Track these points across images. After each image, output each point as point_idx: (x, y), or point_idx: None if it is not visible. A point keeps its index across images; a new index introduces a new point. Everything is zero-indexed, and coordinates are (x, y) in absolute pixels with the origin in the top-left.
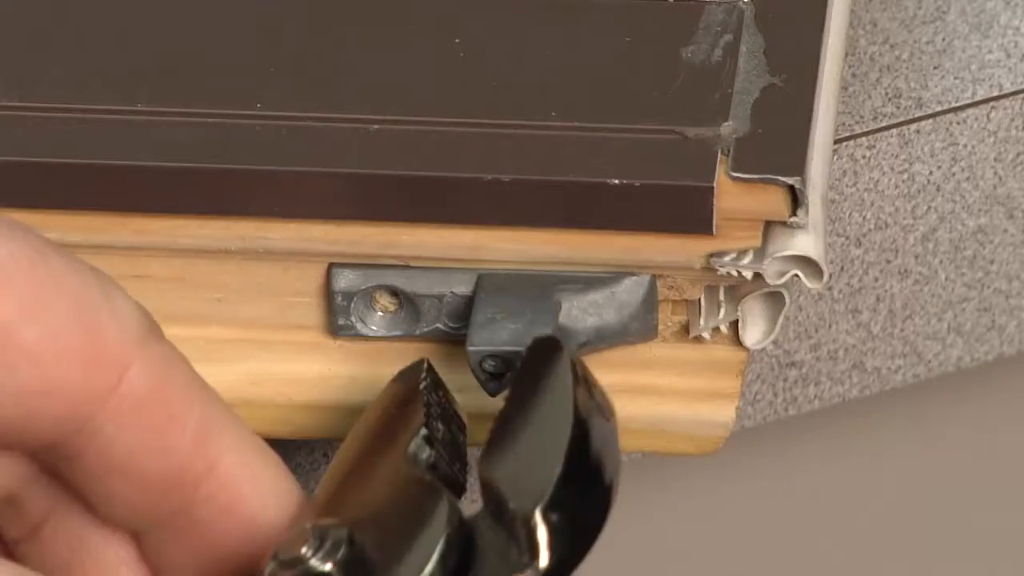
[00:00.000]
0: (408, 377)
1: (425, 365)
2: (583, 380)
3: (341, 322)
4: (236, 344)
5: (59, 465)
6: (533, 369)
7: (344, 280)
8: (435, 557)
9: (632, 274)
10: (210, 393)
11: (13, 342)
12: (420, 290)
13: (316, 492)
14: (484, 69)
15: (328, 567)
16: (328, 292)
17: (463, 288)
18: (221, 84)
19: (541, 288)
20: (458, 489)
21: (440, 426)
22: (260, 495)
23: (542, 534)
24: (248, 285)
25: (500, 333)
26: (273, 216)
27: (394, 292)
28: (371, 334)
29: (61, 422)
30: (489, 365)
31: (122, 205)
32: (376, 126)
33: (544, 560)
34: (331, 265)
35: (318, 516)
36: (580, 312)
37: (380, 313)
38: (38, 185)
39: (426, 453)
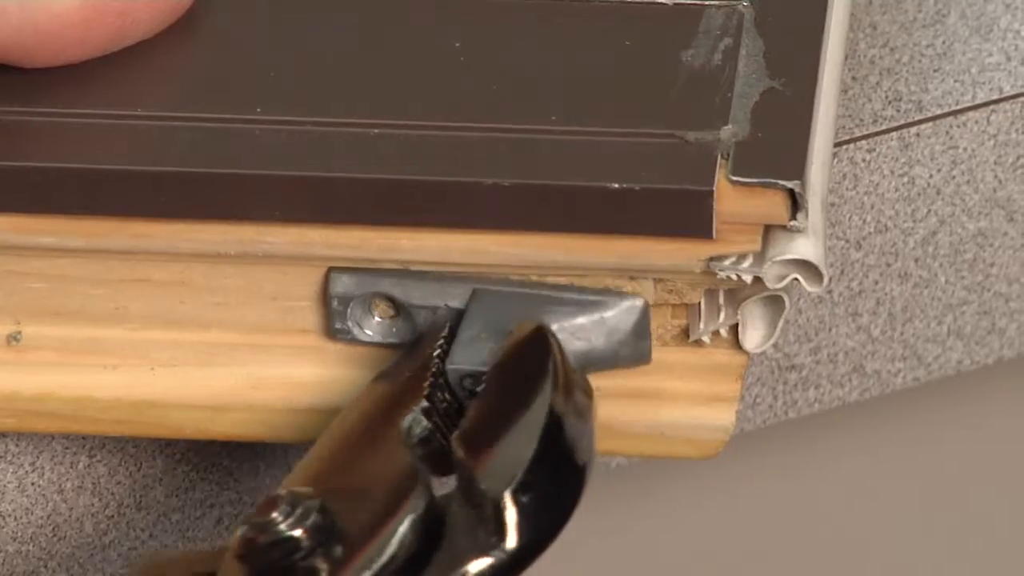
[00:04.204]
0: (421, 343)
1: (445, 331)
2: (562, 370)
3: (338, 326)
4: (236, 348)
5: None
6: (517, 354)
7: (341, 285)
8: (398, 535)
9: (625, 299)
10: None
11: None
12: (415, 300)
13: (304, 459)
14: (484, 73)
15: (298, 532)
16: (325, 296)
17: (457, 302)
18: (221, 89)
19: (531, 309)
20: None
21: (446, 396)
22: None
23: (511, 516)
24: (248, 289)
25: (481, 353)
26: (273, 220)
27: (391, 300)
28: (367, 339)
29: None
30: (468, 383)
31: (122, 209)
32: (376, 130)
33: (511, 541)
34: (330, 269)
35: (298, 484)
36: (568, 336)
37: (377, 319)
38: (38, 190)
39: (420, 427)
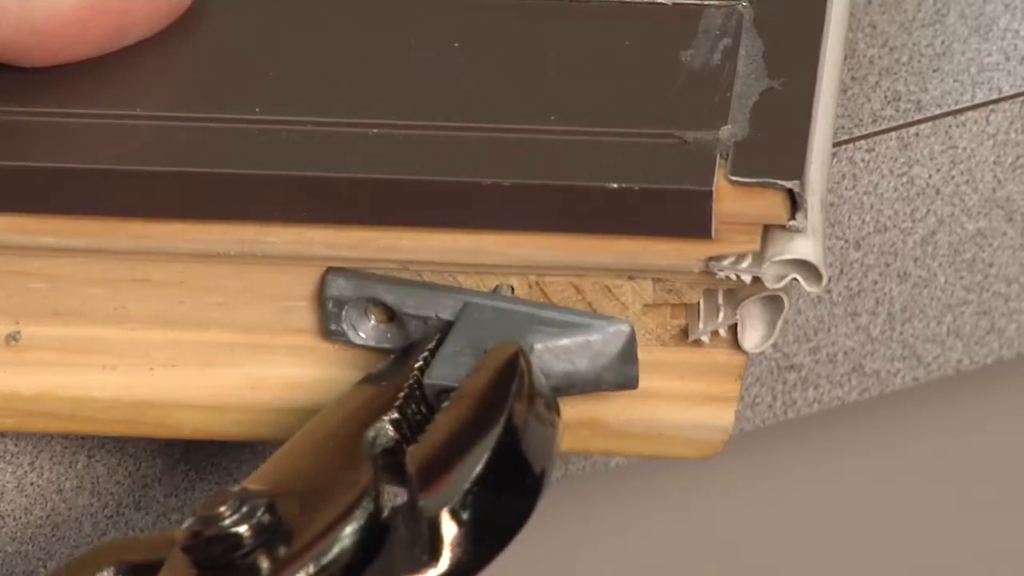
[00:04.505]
0: (406, 352)
1: (432, 344)
2: (527, 387)
3: (333, 327)
4: (235, 348)
5: None
6: (486, 374)
7: (336, 287)
8: (339, 542)
9: (612, 323)
10: None
11: None
12: (407, 309)
13: (272, 457)
14: (483, 73)
15: (242, 529)
16: (321, 297)
17: (448, 314)
18: (221, 88)
19: (516, 328)
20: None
21: (421, 408)
22: None
23: (447, 535)
24: (247, 289)
25: (459, 370)
26: (272, 220)
27: (385, 306)
28: (360, 342)
29: None
30: (445, 399)
31: (121, 209)
32: (375, 130)
33: (444, 562)
34: (327, 271)
35: (259, 481)
36: (552, 357)
37: (372, 323)
38: (37, 190)
39: (386, 437)
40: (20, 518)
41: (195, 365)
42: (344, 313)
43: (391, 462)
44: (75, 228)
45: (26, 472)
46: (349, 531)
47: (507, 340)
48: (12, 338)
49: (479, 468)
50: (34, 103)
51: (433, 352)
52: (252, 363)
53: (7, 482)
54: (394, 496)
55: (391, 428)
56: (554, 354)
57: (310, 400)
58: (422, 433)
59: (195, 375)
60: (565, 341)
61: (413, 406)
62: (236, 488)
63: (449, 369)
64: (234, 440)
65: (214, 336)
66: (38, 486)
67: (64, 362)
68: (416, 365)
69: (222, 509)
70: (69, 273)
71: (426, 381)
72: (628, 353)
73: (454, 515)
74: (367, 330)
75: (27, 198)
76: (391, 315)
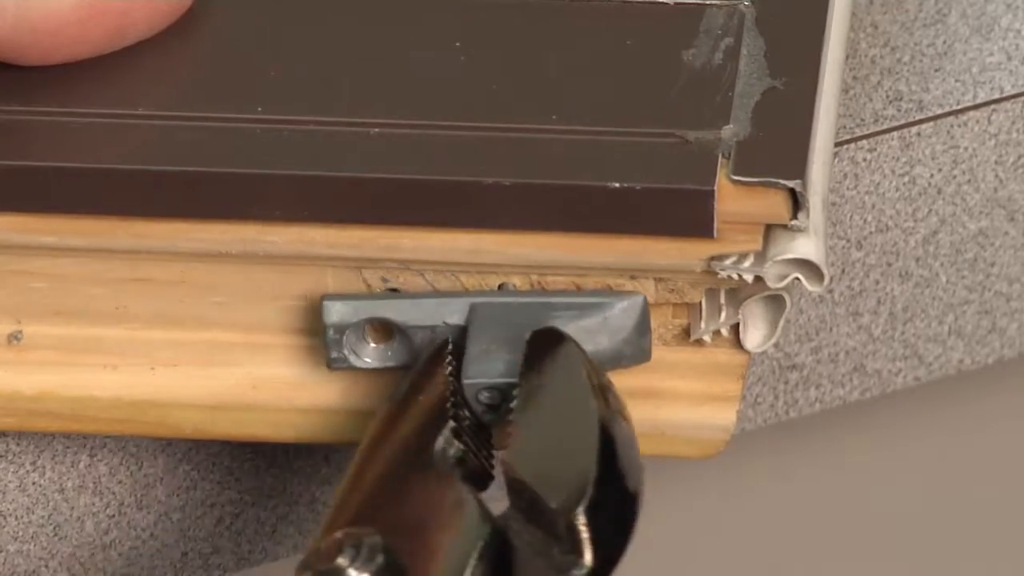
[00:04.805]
0: (428, 364)
1: (449, 348)
2: (596, 379)
3: (335, 355)
4: (237, 348)
5: None
6: (541, 366)
7: (336, 313)
8: (472, 564)
9: (624, 297)
10: None
11: None
12: (413, 321)
13: (337, 498)
14: (484, 72)
15: None
16: (321, 326)
17: (456, 318)
18: (221, 88)
19: (534, 317)
20: (486, 478)
21: (466, 413)
22: None
23: (585, 533)
24: (249, 289)
25: (496, 365)
26: (273, 220)
27: (386, 323)
28: (364, 366)
29: None
30: (485, 397)
31: (122, 209)
32: (376, 129)
33: (589, 558)
34: (322, 298)
35: (346, 524)
36: (579, 339)
37: (372, 345)
38: (39, 189)
39: (453, 448)
40: (22, 517)
41: (196, 364)
42: (344, 339)
43: (465, 471)
44: (76, 227)
45: (28, 471)
46: (475, 554)
47: (544, 328)
48: (14, 337)
49: (595, 465)
50: (36, 102)
51: (456, 356)
52: (253, 363)
53: (9, 481)
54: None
55: (454, 439)
56: (576, 336)
57: (312, 400)
58: (476, 437)
59: (196, 374)
60: (587, 321)
61: (462, 412)
62: (339, 535)
63: (484, 367)
64: (235, 440)
65: (215, 335)
66: (40, 485)
67: (65, 361)
68: (447, 372)
69: (340, 561)
70: (70, 272)
71: (465, 382)
72: (643, 324)
73: (587, 513)
74: (369, 353)
75: (28, 197)
76: (390, 332)
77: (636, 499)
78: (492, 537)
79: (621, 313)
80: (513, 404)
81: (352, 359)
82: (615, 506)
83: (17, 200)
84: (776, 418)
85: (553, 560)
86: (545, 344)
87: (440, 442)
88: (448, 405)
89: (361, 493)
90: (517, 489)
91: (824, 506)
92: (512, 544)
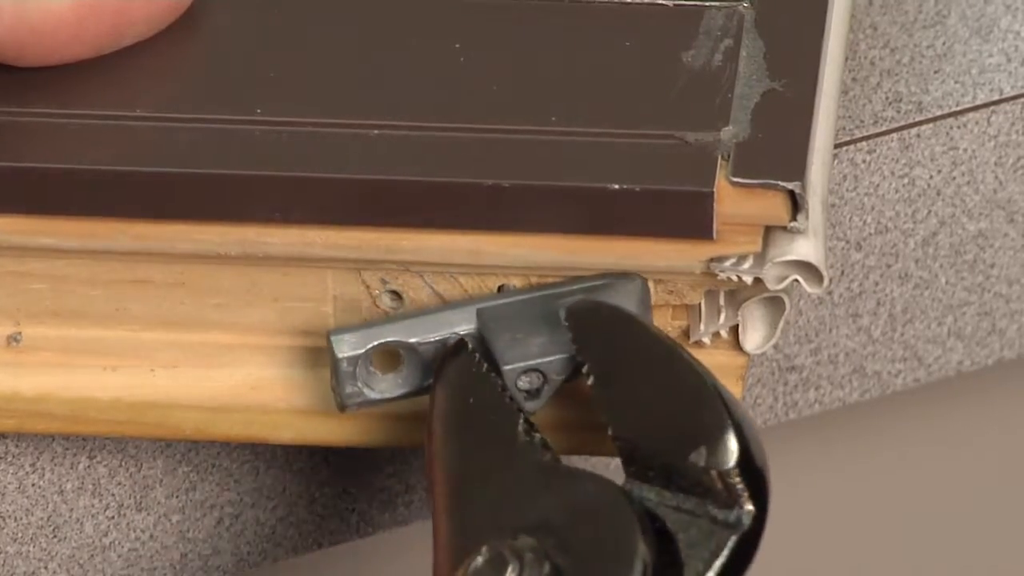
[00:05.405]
0: (457, 371)
1: (469, 347)
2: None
3: (349, 390)
4: (236, 349)
5: None
6: (601, 338)
7: (346, 347)
8: (639, 556)
9: (626, 281)
10: None
11: None
12: (424, 338)
13: (446, 515)
14: (484, 74)
15: None
16: (333, 360)
17: (464, 327)
18: (221, 88)
19: (540, 306)
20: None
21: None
22: None
23: (739, 481)
24: (248, 290)
25: (530, 348)
26: (273, 221)
27: (395, 348)
28: (377, 397)
29: None
30: (524, 382)
31: (122, 211)
32: (376, 131)
33: (750, 504)
34: (329, 334)
35: (474, 538)
36: None
37: (379, 374)
38: (37, 190)
39: (536, 436)
40: (21, 519)
41: (196, 366)
42: (356, 371)
43: (554, 456)
44: (75, 229)
45: (27, 473)
46: (640, 540)
47: (578, 303)
48: (13, 339)
49: (723, 411)
50: (34, 103)
51: (483, 354)
52: (253, 364)
53: (8, 483)
54: None
55: (529, 427)
56: None
57: (311, 401)
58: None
59: (196, 376)
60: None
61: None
62: (505, 547)
63: (520, 350)
64: (235, 441)
65: (215, 337)
66: (39, 487)
67: (65, 363)
68: (483, 369)
69: (510, 572)
70: (70, 274)
71: (505, 368)
72: (645, 303)
73: (738, 459)
74: (378, 383)
75: (27, 199)
76: (397, 359)
77: (760, 442)
78: (641, 513)
79: (627, 295)
80: (589, 381)
81: (367, 392)
82: (749, 452)
83: (16, 201)
84: (776, 419)
85: (715, 517)
86: (591, 317)
87: (521, 434)
88: (507, 397)
89: (467, 505)
90: (644, 461)
91: (824, 507)
92: (656, 516)
